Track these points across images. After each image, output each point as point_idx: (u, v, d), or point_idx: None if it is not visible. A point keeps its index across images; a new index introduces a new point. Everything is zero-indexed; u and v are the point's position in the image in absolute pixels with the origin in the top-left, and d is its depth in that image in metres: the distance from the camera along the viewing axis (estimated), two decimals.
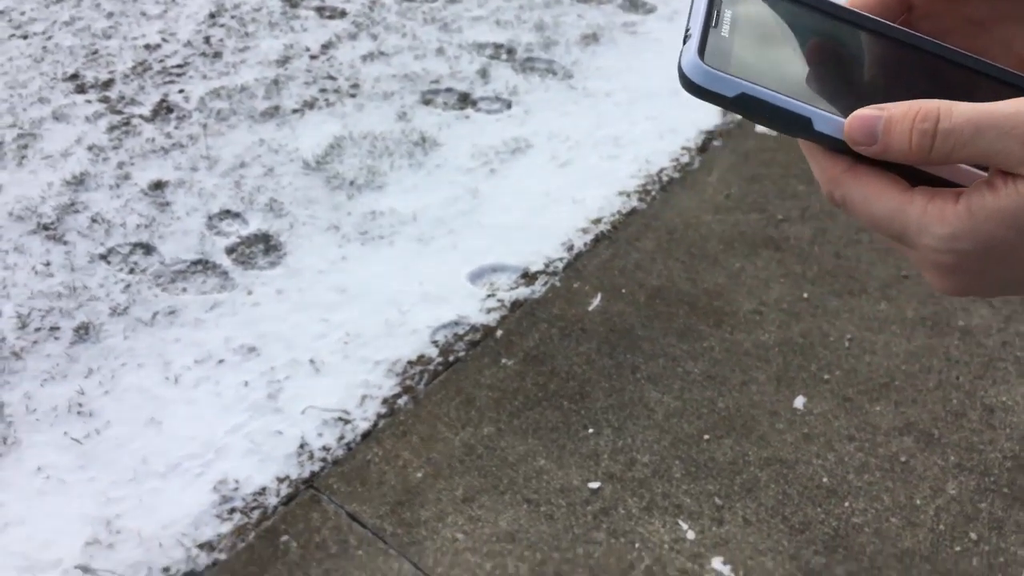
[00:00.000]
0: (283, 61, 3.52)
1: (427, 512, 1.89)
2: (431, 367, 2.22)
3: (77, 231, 2.73)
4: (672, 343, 2.22)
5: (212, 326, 2.39)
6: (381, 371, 2.21)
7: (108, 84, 3.46)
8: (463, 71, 3.36)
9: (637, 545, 1.81)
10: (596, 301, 2.35)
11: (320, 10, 3.86)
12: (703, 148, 2.89)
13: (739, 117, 2.97)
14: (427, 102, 3.22)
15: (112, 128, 3.20)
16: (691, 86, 0.38)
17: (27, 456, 2.07)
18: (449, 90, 3.28)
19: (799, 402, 2.06)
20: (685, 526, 1.84)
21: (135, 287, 2.53)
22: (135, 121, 3.24)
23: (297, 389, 2.19)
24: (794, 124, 0.38)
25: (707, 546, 1.80)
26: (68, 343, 2.36)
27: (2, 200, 2.86)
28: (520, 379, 2.16)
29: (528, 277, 2.45)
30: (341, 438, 2.06)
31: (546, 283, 2.43)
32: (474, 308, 2.36)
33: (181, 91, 3.39)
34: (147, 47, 3.67)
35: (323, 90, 3.32)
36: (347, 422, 2.10)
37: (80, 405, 2.19)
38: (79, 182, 2.93)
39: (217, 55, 3.59)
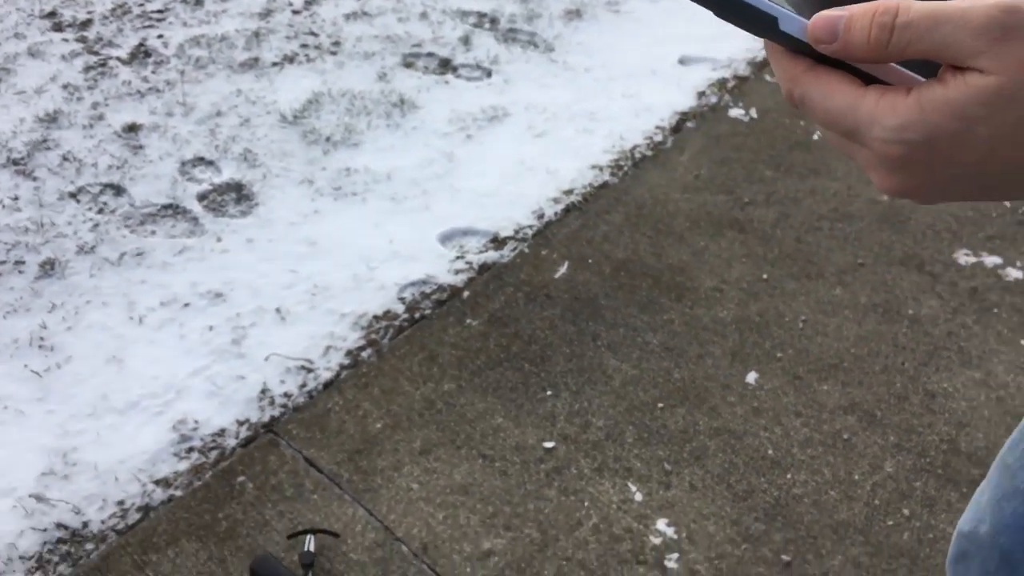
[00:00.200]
0: (265, 14, 3.50)
1: (384, 462, 1.93)
2: (396, 323, 2.25)
3: (47, 168, 2.71)
4: (633, 314, 2.27)
5: (179, 270, 2.40)
6: (347, 324, 2.24)
7: (86, 24, 3.42)
8: (445, 37, 3.38)
9: (586, 503, 1.86)
10: (563, 269, 2.40)
11: None
12: (677, 129, 2.93)
13: (714, 100, 3.03)
14: (408, 65, 3.23)
15: (88, 68, 3.17)
16: None
17: None
18: (431, 55, 3.29)
19: (751, 377, 2.12)
20: (634, 488, 1.89)
21: (103, 227, 2.52)
22: (112, 63, 3.21)
23: (262, 336, 2.21)
24: (761, 23, 0.39)
25: (653, 508, 1.86)
26: (33, 277, 2.35)
27: None
28: (483, 339, 2.21)
29: (498, 242, 2.49)
30: (303, 386, 2.09)
31: (515, 249, 2.47)
32: (442, 268, 2.39)
33: (160, 36, 3.37)
34: None
35: (304, 46, 3.32)
36: (310, 371, 2.12)
37: (42, 339, 2.19)
38: (52, 119, 2.91)
39: (199, 3, 3.56)
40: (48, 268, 2.38)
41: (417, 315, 2.27)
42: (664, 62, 3.25)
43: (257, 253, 2.45)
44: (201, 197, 2.65)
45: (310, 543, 1.74)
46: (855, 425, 2.03)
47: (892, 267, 2.41)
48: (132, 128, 2.89)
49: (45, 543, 1.78)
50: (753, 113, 3.02)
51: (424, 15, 3.50)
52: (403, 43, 3.34)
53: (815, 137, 2.90)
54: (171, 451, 1.96)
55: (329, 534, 1.78)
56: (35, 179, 2.67)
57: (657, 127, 2.92)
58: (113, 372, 2.13)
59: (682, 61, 3.26)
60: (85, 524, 1.82)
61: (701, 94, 3.07)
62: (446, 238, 2.50)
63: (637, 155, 2.81)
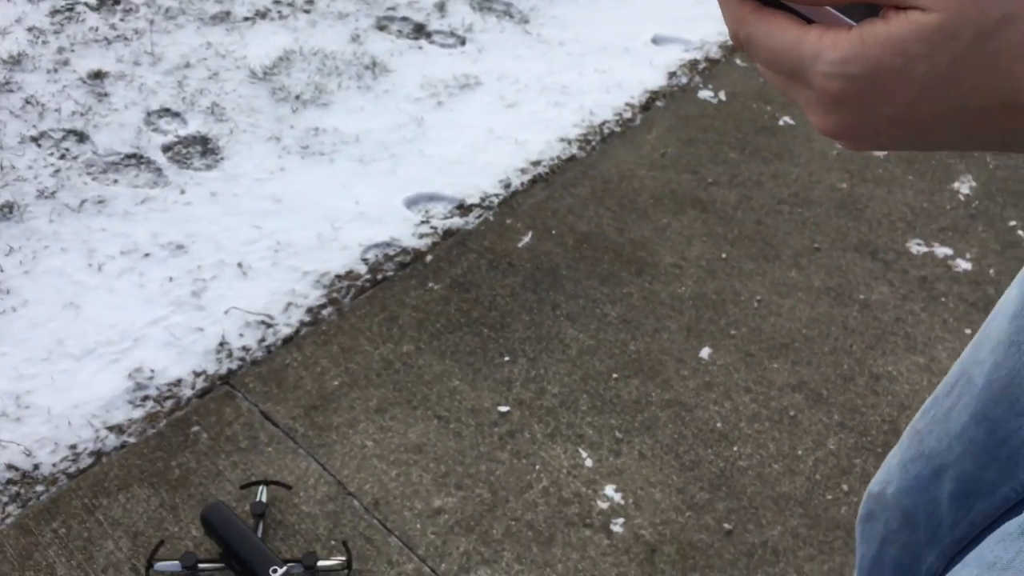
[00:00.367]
0: None
1: (339, 418, 1.95)
2: (359, 283, 2.26)
3: (9, 110, 2.67)
4: (594, 286, 2.31)
5: (141, 220, 2.38)
6: (308, 281, 2.24)
7: None
8: (421, 2, 3.36)
9: (537, 467, 1.90)
10: (526, 239, 2.42)
11: None
12: (646, 107, 2.96)
13: (684, 80, 3.06)
14: (382, 28, 3.21)
15: (55, 12, 3.11)
16: None
17: None
18: (405, 19, 3.28)
19: (705, 352, 2.17)
20: (585, 454, 1.93)
21: (65, 173, 2.49)
22: (80, 8, 3.15)
23: (222, 290, 2.21)
24: None
25: (603, 474, 1.90)
26: None
27: None
28: (444, 303, 2.23)
29: (463, 208, 2.50)
30: (262, 340, 2.10)
31: (480, 216, 2.48)
32: (407, 232, 2.40)
33: None
34: None
35: (277, 2, 3.28)
36: (269, 326, 2.13)
37: None
38: (15, 62, 2.85)
39: None
40: (6, 211, 2.35)
41: (379, 276, 2.28)
42: (637, 40, 3.27)
43: (221, 207, 2.44)
44: (166, 148, 2.62)
45: (262, 494, 1.76)
46: (801, 403, 2.09)
47: (847, 253, 2.47)
48: (98, 75, 2.84)
49: None
50: (722, 96, 3.05)
51: None
52: (378, 5, 3.32)
53: (781, 123, 2.95)
54: (126, 399, 1.95)
55: (282, 486, 1.80)
56: None
57: (627, 104, 2.94)
58: (70, 318, 2.11)
59: (655, 40, 3.28)
60: (36, 466, 1.82)
61: (672, 74, 3.10)
62: (412, 202, 2.51)
63: (606, 130, 2.84)
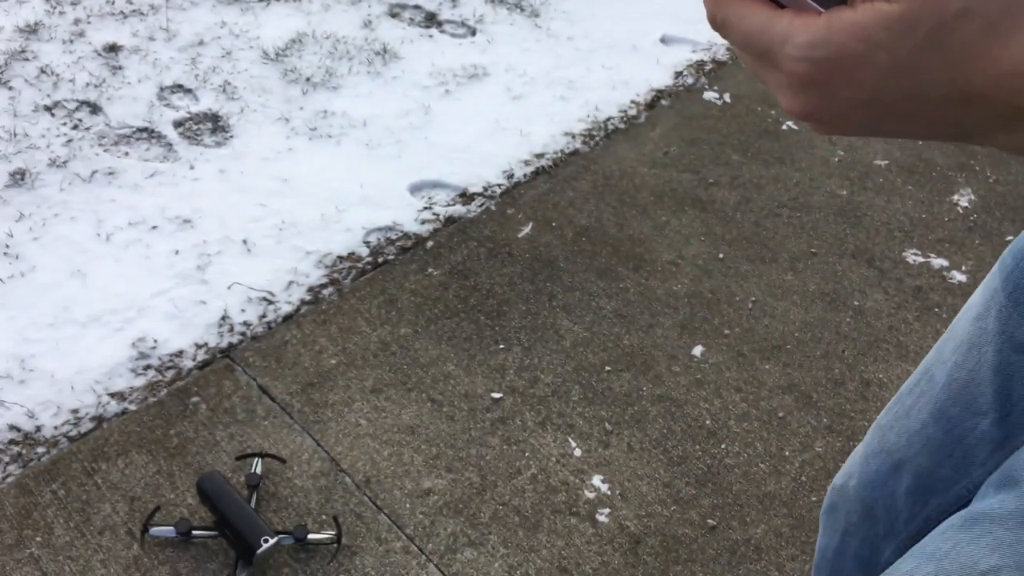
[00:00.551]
0: None
1: (335, 396, 1.99)
2: (360, 265, 2.30)
3: (24, 79, 2.70)
4: (591, 279, 2.34)
5: (150, 193, 2.42)
6: (311, 261, 2.28)
7: None
8: None
9: (527, 454, 1.94)
10: (526, 229, 2.46)
11: None
12: (651, 105, 2.99)
13: (690, 80, 3.08)
14: (394, 15, 3.24)
15: None
16: None
17: None
18: (417, 7, 3.31)
19: (697, 350, 2.21)
20: (574, 444, 1.97)
21: (77, 143, 2.53)
22: None
23: (226, 265, 2.24)
24: None
25: (591, 464, 1.94)
26: (2, 185, 2.36)
27: None
28: (443, 289, 2.26)
29: (466, 197, 2.54)
30: (263, 316, 2.14)
31: (482, 205, 2.52)
32: (409, 217, 2.44)
33: None
34: None
35: None
36: (271, 303, 2.17)
37: (7, 247, 2.21)
38: (32, 31, 2.88)
39: None
40: (19, 178, 2.39)
41: (380, 259, 2.32)
42: (646, 39, 3.30)
43: (228, 184, 2.48)
44: (177, 124, 2.66)
45: (257, 465, 1.80)
46: (791, 405, 2.13)
47: (843, 259, 2.51)
48: (113, 48, 2.88)
49: None
50: (727, 98, 3.08)
51: None
52: None
53: (784, 127, 2.98)
54: (128, 367, 1.99)
55: (276, 459, 1.84)
56: (11, 89, 2.66)
57: (632, 102, 2.97)
58: (77, 285, 2.15)
59: (663, 40, 3.31)
60: (38, 428, 1.86)
61: (679, 74, 3.13)
62: (416, 188, 2.55)
63: (610, 127, 2.87)
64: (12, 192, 2.34)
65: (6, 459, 1.79)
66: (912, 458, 0.92)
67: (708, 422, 2.06)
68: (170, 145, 2.58)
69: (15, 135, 2.50)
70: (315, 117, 2.73)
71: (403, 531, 1.76)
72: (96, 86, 2.72)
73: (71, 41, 2.87)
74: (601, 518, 1.85)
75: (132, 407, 1.92)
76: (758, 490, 1.95)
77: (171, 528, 1.68)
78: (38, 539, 1.68)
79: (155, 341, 2.05)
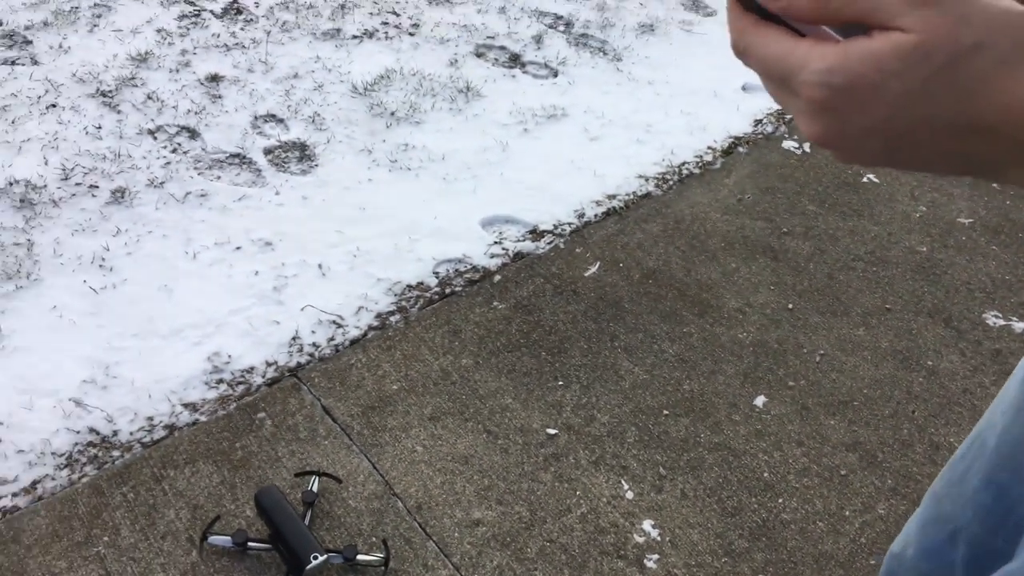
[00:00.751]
0: None
1: (394, 421, 2.04)
2: (427, 294, 2.36)
3: (132, 103, 2.88)
4: (654, 322, 2.35)
5: (237, 215, 2.54)
6: (381, 288, 2.35)
7: None
8: (520, 33, 3.48)
9: (578, 493, 1.94)
10: (593, 268, 2.48)
11: None
12: (728, 151, 2.99)
13: (769, 129, 3.07)
14: (479, 55, 3.34)
15: (183, 17, 3.34)
16: None
17: (46, 294, 2.24)
18: (502, 48, 3.40)
19: (759, 401, 2.18)
20: (626, 486, 1.97)
21: (174, 165, 2.68)
22: (205, 15, 3.38)
23: (301, 288, 2.33)
24: None
25: (642, 508, 1.93)
26: (103, 202, 2.52)
27: (68, 61, 3.02)
28: (507, 323, 2.30)
29: (536, 233, 2.58)
30: (331, 339, 2.21)
31: (551, 242, 2.56)
32: (479, 251, 2.49)
33: None
34: None
35: (385, 23, 3.45)
36: (340, 326, 2.24)
37: (103, 259, 2.35)
38: (142, 60, 3.08)
39: None
40: (119, 196, 2.54)
41: (448, 290, 2.38)
42: (727, 86, 3.31)
43: (310, 210, 2.58)
44: (267, 151, 2.79)
45: (314, 483, 1.86)
46: (855, 463, 2.08)
47: (919, 317, 2.45)
48: (214, 78, 3.04)
49: (76, 444, 1.93)
50: (806, 147, 3.06)
51: (503, 10, 3.61)
52: (478, 34, 3.45)
53: (864, 180, 2.94)
54: (203, 379, 2.09)
55: (333, 479, 1.90)
56: (119, 112, 2.84)
57: (709, 147, 2.98)
58: (162, 299, 2.27)
59: (745, 88, 3.31)
60: (115, 432, 1.96)
61: (758, 122, 3.13)
62: (488, 223, 2.60)
63: (684, 171, 2.88)
64: (112, 208, 2.50)
65: (83, 460, 1.90)
66: (966, 527, 0.90)
67: (766, 474, 2.03)
68: (259, 171, 2.70)
69: (119, 156, 2.67)
70: (396, 150, 2.83)
71: (450, 559, 1.79)
72: (196, 113, 2.88)
73: (177, 70, 3.05)
74: (649, 564, 1.83)
75: (203, 418, 2.01)
76: (814, 549, 1.91)
77: (228, 538, 1.75)
78: (105, 539, 1.77)
79: (229, 356, 2.14)
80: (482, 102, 3.08)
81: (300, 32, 3.33)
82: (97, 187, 2.55)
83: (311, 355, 2.17)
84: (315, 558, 1.67)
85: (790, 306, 2.44)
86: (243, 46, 3.22)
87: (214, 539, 1.75)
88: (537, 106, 3.08)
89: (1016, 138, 0.42)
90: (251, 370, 2.12)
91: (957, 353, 2.37)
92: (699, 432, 2.09)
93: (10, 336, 2.11)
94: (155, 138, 2.77)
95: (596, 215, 2.67)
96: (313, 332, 2.22)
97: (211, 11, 3.39)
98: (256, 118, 2.90)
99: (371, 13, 3.50)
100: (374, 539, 1.81)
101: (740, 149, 3.01)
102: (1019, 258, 2.70)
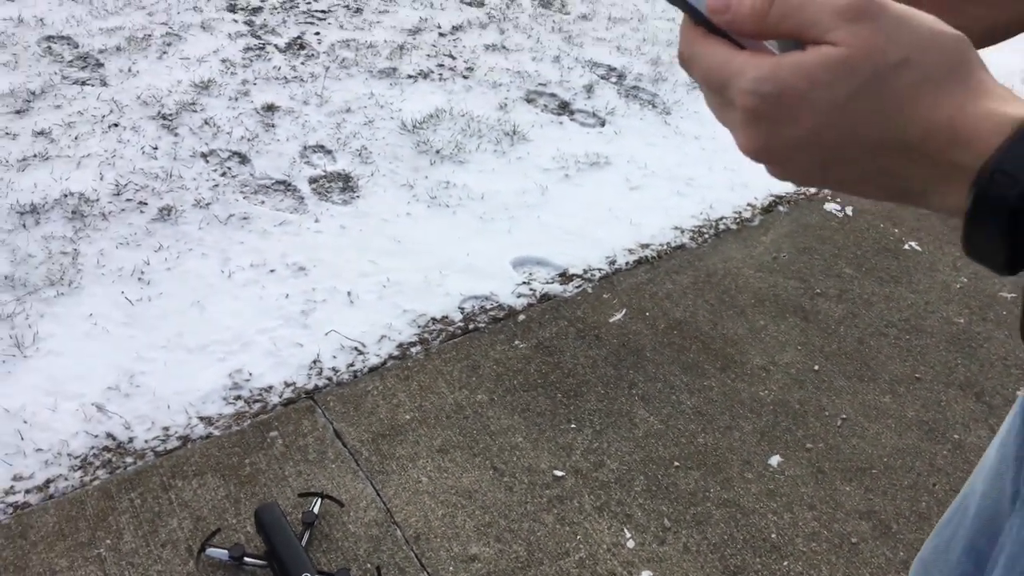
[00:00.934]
0: (414, 32, 3.75)
1: (403, 450, 2.05)
2: (451, 328, 2.38)
3: (189, 127, 3.01)
4: (675, 372, 2.33)
5: (275, 240, 2.61)
6: (406, 319, 2.39)
7: (257, 11, 3.76)
8: (571, 82, 3.53)
9: (579, 537, 1.92)
10: (618, 315, 2.48)
11: None
12: (768, 209, 2.97)
13: (812, 189, 3.05)
14: (529, 100, 3.40)
15: (248, 49, 3.49)
16: None
17: (84, 301, 2.33)
18: (553, 95, 3.45)
19: (774, 460, 2.14)
20: (629, 535, 1.94)
21: (222, 188, 2.77)
22: (269, 49, 3.52)
23: (328, 313, 2.38)
24: None
25: (642, 558, 1.90)
26: (150, 219, 2.62)
27: (135, 84, 3.17)
28: (526, 362, 2.31)
29: (565, 276, 2.60)
30: (351, 365, 2.24)
31: (579, 286, 2.57)
32: (507, 290, 2.51)
33: (317, 34, 3.66)
34: None
35: (440, 65, 3.54)
36: (361, 353, 2.28)
37: (143, 273, 2.43)
38: (204, 87, 3.21)
39: (358, 11, 3.85)
40: (165, 213, 2.64)
41: (471, 326, 2.40)
42: None
43: (347, 239, 2.64)
44: (312, 180, 2.87)
45: (316, 505, 1.88)
46: (867, 532, 2.01)
47: (950, 389, 2.38)
48: (270, 108, 3.16)
49: (92, 448, 1.99)
50: (848, 211, 3.02)
51: (557, 59, 3.67)
52: (530, 80, 3.51)
53: (906, 247, 2.88)
54: (222, 395, 2.14)
55: (336, 502, 1.91)
56: (176, 135, 2.97)
57: (749, 204, 2.97)
58: (194, 315, 2.34)
59: None
60: (131, 439, 2.02)
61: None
62: (519, 263, 2.63)
63: (721, 226, 2.87)
64: (157, 225, 2.59)
65: (97, 463, 1.95)
66: None
67: (774, 535, 1.98)
68: (302, 198, 2.78)
69: (171, 176, 2.78)
70: (437, 187, 2.88)
71: None
72: (249, 140, 2.99)
73: (236, 99, 3.18)
74: None
75: (216, 432, 2.06)
76: None
77: (225, 551, 1.77)
78: (108, 541, 1.81)
79: (250, 374, 2.19)
80: (527, 146, 3.13)
81: (358, 69, 3.44)
82: (146, 204, 2.65)
83: (329, 379, 2.21)
84: None
85: (816, 367, 2.39)
86: (301, 79, 3.34)
87: (212, 551, 1.78)
88: (581, 153, 3.12)
89: (938, 159, 0.43)
90: (269, 389, 2.17)
91: (987, 428, 2.29)
92: (709, 486, 2.06)
93: (46, 339, 2.20)
94: (207, 161, 2.87)
95: (627, 263, 2.67)
96: (334, 357, 2.26)
97: (275, 45, 3.53)
98: (305, 148, 3.00)
99: (428, 55, 3.60)
100: (369, 565, 1.81)
101: (780, 208, 2.99)
102: None
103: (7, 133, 2.85)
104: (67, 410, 2.05)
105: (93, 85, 3.12)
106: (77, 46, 3.32)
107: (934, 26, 0.44)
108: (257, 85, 3.28)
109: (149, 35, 3.43)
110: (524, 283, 2.55)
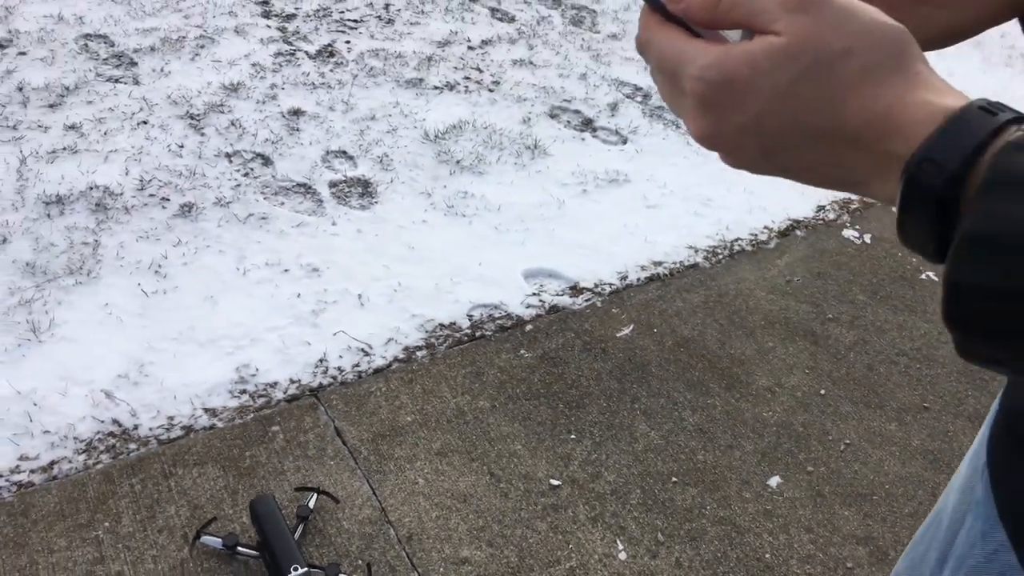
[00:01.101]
0: (443, 44, 3.80)
1: (401, 451, 2.07)
2: (457, 335, 2.40)
3: (215, 128, 3.07)
4: (679, 389, 2.32)
5: (292, 240, 2.65)
6: (414, 324, 2.41)
7: (290, 18, 3.83)
8: (596, 100, 3.56)
9: (571, 546, 1.92)
10: (626, 330, 2.48)
11: (494, 11, 4.14)
12: (784, 233, 2.96)
13: (831, 216, 3.04)
14: (553, 116, 3.43)
15: (278, 55, 3.55)
16: None
17: (101, 291, 2.37)
18: (577, 112, 3.47)
19: (774, 481, 2.12)
20: (621, 546, 1.94)
21: (243, 188, 2.82)
22: (300, 55, 3.58)
23: (338, 314, 2.41)
24: None
25: (634, 571, 1.89)
26: (171, 214, 2.67)
27: (166, 83, 3.24)
28: (530, 371, 2.32)
29: (575, 289, 2.60)
30: (356, 365, 2.27)
31: (589, 300, 2.57)
32: (516, 300, 2.53)
33: (348, 42, 3.72)
34: None
35: (467, 78, 3.58)
36: (367, 354, 2.30)
37: (160, 266, 2.48)
38: (233, 89, 3.28)
39: (390, 22, 3.91)
40: (186, 210, 2.69)
41: (478, 333, 2.41)
42: None
43: (362, 244, 2.68)
44: (332, 184, 2.91)
45: (312, 500, 1.90)
46: (863, 558, 1.99)
47: (958, 420, 2.35)
48: (296, 112, 3.21)
49: (98, 432, 2.03)
50: (867, 238, 3.00)
51: (584, 76, 3.70)
52: (556, 96, 3.54)
53: (923, 276, 2.86)
54: (227, 388, 2.17)
55: (331, 498, 1.93)
56: (203, 135, 3.03)
57: (766, 227, 2.96)
58: (207, 309, 2.38)
59: None
60: (136, 427, 2.05)
61: (821, 208, 3.09)
62: (530, 275, 2.64)
63: (736, 247, 2.86)
64: (178, 220, 2.65)
65: (101, 448, 1.99)
66: None
67: (768, 555, 1.96)
68: (321, 201, 2.82)
69: (194, 174, 2.83)
70: (455, 196, 2.91)
71: None
72: (273, 142, 3.04)
73: (263, 102, 3.24)
74: None
75: (220, 424, 2.09)
76: None
77: (220, 540, 1.79)
78: (106, 524, 1.84)
79: (257, 369, 2.22)
80: (547, 160, 3.15)
81: (385, 78, 3.49)
82: (168, 200, 2.71)
83: (334, 378, 2.23)
84: (295, 569, 1.70)
85: (822, 391, 2.38)
86: (329, 86, 3.39)
87: (206, 539, 1.80)
88: (600, 170, 3.13)
89: (876, 148, 0.44)
90: (274, 385, 2.19)
91: None
92: (705, 503, 2.05)
93: (61, 326, 2.25)
94: (231, 161, 2.93)
95: (639, 279, 2.67)
96: (340, 357, 2.28)
97: (306, 52, 3.59)
98: (328, 153, 3.04)
99: (455, 67, 3.65)
100: (360, 562, 1.82)
101: (797, 232, 2.98)
102: None
103: (39, 126, 2.93)
104: (76, 395, 2.09)
105: (126, 83, 3.20)
106: (113, 45, 3.41)
107: (876, 18, 0.45)
108: (285, 90, 3.34)
109: (183, 37, 3.51)
110: (534, 294, 2.56)
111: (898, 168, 0.43)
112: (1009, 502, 0.74)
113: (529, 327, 2.46)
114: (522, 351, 2.38)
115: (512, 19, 4.09)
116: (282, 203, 2.81)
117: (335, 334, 2.34)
